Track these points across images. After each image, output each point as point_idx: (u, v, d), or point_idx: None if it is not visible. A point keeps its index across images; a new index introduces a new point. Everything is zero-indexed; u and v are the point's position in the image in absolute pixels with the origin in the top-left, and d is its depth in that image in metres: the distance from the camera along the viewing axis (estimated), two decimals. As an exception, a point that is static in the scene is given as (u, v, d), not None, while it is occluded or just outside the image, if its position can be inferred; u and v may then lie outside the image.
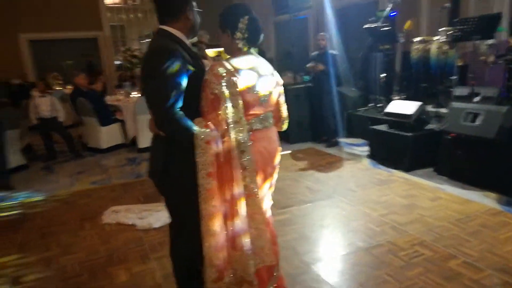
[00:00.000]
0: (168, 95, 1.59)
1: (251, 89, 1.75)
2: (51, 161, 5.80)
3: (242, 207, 1.74)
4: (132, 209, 3.70)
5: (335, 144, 5.78)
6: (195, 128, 1.63)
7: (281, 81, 2.00)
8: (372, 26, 5.93)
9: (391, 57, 6.35)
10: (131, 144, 6.20)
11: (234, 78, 1.70)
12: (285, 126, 2.09)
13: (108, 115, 6.14)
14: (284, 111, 2.05)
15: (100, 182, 4.72)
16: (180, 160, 1.72)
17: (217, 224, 1.72)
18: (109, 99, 6.73)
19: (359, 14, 7.19)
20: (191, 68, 1.69)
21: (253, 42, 1.81)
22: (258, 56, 1.88)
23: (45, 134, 5.90)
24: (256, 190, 1.76)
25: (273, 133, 1.94)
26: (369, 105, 6.19)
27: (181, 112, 1.63)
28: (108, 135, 6.08)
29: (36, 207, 4.01)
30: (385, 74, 5.87)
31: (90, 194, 4.33)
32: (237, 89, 1.69)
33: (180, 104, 1.63)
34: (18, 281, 2.66)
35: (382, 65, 6.28)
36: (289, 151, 5.58)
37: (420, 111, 4.51)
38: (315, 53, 5.87)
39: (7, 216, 3.83)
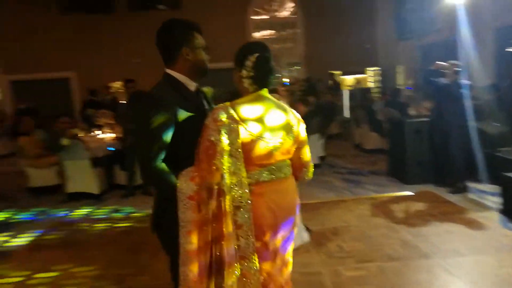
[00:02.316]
0: (149, 149, 1.55)
1: (257, 137, 1.56)
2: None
3: (234, 270, 1.50)
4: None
5: (462, 190, 4.83)
6: (179, 181, 1.52)
7: (303, 126, 1.74)
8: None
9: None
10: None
11: (235, 125, 1.53)
12: (309, 175, 1.80)
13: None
14: (306, 156, 1.77)
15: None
16: (169, 213, 1.55)
17: None
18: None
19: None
20: (184, 114, 1.60)
21: (260, 82, 1.63)
22: (271, 98, 1.68)
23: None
24: (251, 252, 1.53)
25: (289, 185, 1.69)
26: (516, 145, 5.01)
27: (163, 165, 1.56)
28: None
29: (139, 223, 4.46)
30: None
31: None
32: (238, 137, 1.52)
33: (162, 156, 1.56)
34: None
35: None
36: (400, 193, 4.92)
37: None
38: (442, 80, 5.01)
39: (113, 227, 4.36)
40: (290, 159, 1.72)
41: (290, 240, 1.73)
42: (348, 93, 12.65)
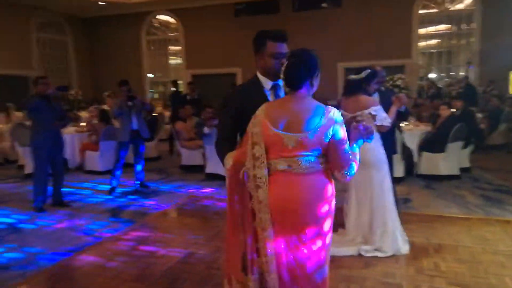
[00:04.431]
0: (218, 130, 2.12)
1: (277, 132, 1.78)
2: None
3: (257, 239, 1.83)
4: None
5: None
6: (226, 158, 1.91)
7: (335, 123, 1.78)
8: None
9: None
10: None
11: (262, 120, 1.81)
12: (338, 176, 1.83)
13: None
14: (339, 159, 1.79)
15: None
16: None
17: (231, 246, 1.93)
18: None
19: None
20: (250, 106, 1.91)
21: (289, 85, 1.83)
22: (302, 99, 1.82)
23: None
24: (268, 225, 1.79)
25: (307, 181, 1.79)
26: None
27: (225, 143, 2.02)
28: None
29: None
30: None
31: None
32: (262, 130, 1.80)
33: (228, 135, 2.05)
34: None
35: None
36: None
37: None
38: None
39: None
40: (328, 158, 1.81)
41: (303, 247, 1.81)
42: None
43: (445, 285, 2.85)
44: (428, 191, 5.34)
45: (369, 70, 3.33)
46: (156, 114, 8.88)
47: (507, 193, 5.14)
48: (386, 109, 3.38)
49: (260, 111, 1.82)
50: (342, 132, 1.78)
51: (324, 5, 14.48)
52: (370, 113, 3.28)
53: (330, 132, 1.76)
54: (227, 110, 2.04)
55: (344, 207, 3.76)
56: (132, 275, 3.19)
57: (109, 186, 5.65)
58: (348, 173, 1.80)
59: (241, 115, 1.95)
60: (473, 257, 3.28)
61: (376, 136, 3.39)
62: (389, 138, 3.61)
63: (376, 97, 3.56)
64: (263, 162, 1.77)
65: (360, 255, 3.35)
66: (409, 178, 5.93)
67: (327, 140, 1.77)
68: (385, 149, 3.45)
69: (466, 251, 3.40)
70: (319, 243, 1.83)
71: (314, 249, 1.81)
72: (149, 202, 5.21)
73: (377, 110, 3.27)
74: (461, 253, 3.36)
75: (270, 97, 2.06)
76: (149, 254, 3.59)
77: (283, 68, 1.82)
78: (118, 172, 5.61)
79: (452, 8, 13.53)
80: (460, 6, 13.40)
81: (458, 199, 4.92)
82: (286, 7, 14.47)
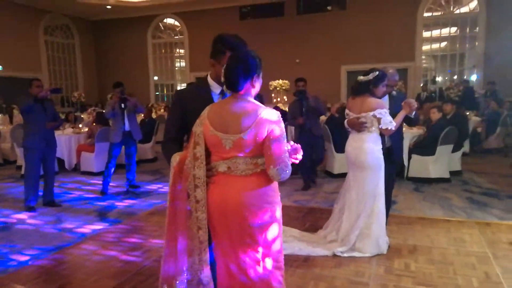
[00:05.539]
0: (165, 131, 2.11)
1: (214, 133, 1.79)
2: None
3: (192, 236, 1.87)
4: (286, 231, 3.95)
5: None
6: (174, 155, 1.93)
7: (269, 123, 1.73)
8: None
9: None
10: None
11: (203, 121, 1.85)
12: (271, 173, 1.74)
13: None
14: (273, 155, 1.72)
15: (301, 202, 5.17)
16: None
17: (168, 246, 1.92)
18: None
19: None
20: (195, 108, 1.93)
21: (228, 87, 1.80)
22: (239, 100, 1.80)
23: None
24: (204, 224, 1.83)
25: (244, 184, 1.78)
26: None
27: (172, 143, 2.04)
28: (341, 162, 6.38)
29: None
30: None
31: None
32: (202, 128, 1.84)
33: (174, 135, 2.06)
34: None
35: None
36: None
37: None
38: None
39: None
40: (264, 156, 1.76)
41: (246, 256, 1.82)
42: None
43: (411, 284, 2.88)
44: (415, 193, 5.36)
45: (377, 72, 3.24)
46: (155, 117, 9.01)
47: (494, 196, 5.12)
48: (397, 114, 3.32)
49: (205, 111, 1.84)
50: (277, 131, 1.74)
51: (329, 8, 14.52)
52: (374, 115, 3.25)
53: (265, 131, 1.72)
54: (173, 111, 2.08)
55: (334, 208, 3.79)
56: (110, 272, 3.28)
57: (101, 187, 5.78)
58: (281, 171, 1.72)
59: (187, 116, 1.98)
60: (445, 258, 3.31)
61: (376, 139, 3.37)
62: (398, 144, 3.61)
63: (384, 100, 3.44)
64: (203, 162, 1.80)
65: (334, 255, 3.38)
66: (399, 181, 5.94)
67: (261, 140, 1.73)
68: (393, 155, 3.51)
69: (440, 252, 3.42)
70: (263, 249, 1.81)
71: (258, 256, 1.80)
72: (138, 203, 5.32)
73: (382, 113, 3.22)
74: (434, 254, 3.38)
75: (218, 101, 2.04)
76: (130, 251, 3.67)
77: (223, 70, 1.79)
78: (110, 173, 5.73)
79: (457, 11, 13.46)
80: (465, 10, 13.32)
81: (443, 202, 4.93)
82: (291, 10, 14.54)
